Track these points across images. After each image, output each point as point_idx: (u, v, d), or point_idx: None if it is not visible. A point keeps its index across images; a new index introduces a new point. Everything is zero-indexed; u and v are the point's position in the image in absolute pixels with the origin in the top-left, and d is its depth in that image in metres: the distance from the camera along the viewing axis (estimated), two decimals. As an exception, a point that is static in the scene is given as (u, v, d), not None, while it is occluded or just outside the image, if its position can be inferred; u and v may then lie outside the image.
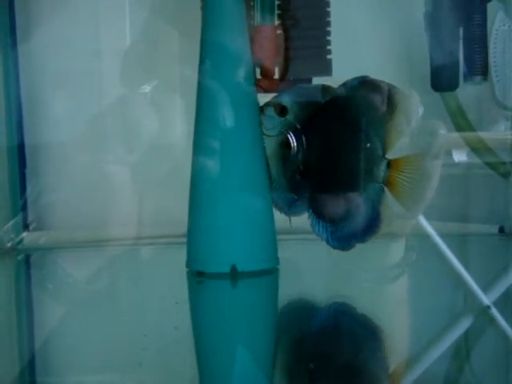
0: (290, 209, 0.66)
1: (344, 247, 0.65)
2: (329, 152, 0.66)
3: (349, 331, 0.55)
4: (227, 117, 0.64)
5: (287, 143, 0.65)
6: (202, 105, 0.66)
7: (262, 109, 0.65)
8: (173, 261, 0.68)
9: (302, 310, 0.60)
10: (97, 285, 0.69)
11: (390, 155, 0.65)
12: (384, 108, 0.63)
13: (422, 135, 0.75)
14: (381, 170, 0.64)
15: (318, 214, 0.65)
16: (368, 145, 0.64)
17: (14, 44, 0.85)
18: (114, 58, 0.86)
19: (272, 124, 0.65)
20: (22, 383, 0.46)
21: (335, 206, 0.65)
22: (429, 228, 0.69)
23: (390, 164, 0.64)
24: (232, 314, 0.58)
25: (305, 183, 0.65)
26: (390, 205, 0.64)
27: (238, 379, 0.45)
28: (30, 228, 0.86)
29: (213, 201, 0.65)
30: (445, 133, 0.76)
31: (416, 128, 0.70)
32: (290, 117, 0.65)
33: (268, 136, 0.65)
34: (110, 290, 0.68)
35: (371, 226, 0.64)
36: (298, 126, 0.65)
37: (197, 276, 0.65)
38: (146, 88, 0.85)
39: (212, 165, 0.64)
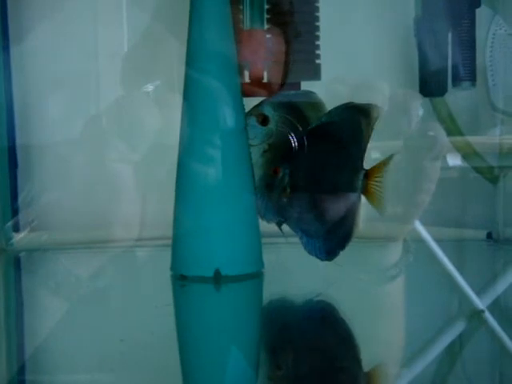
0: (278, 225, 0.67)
1: (330, 258, 0.66)
2: (315, 174, 0.66)
3: (337, 332, 0.55)
4: (212, 121, 0.64)
5: (275, 169, 0.65)
6: (186, 107, 0.66)
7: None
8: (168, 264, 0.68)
9: (295, 310, 0.60)
10: (92, 286, 0.70)
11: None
12: (367, 129, 0.64)
13: (419, 137, 0.75)
14: (359, 180, 0.65)
15: (307, 232, 0.66)
16: (351, 162, 0.65)
17: (7, 44, 0.85)
18: (108, 59, 0.86)
19: (254, 133, 0.65)
20: (12, 382, 0.46)
21: (323, 223, 0.66)
22: (423, 232, 0.70)
23: (366, 173, 0.65)
24: (216, 318, 0.58)
25: (292, 205, 0.66)
26: (360, 209, 0.66)
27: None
28: (21, 229, 0.86)
29: (197, 204, 0.65)
30: (435, 134, 0.76)
31: (414, 130, 0.70)
32: (271, 126, 0.65)
33: (251, 145, 0.66)
34: (103, 292, 0.68)
35: (350, 233, 0.66)
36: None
37: (180, 279, 0.65)
38: (149, 88, 0.85)
39: (196, 169, 0.65)
